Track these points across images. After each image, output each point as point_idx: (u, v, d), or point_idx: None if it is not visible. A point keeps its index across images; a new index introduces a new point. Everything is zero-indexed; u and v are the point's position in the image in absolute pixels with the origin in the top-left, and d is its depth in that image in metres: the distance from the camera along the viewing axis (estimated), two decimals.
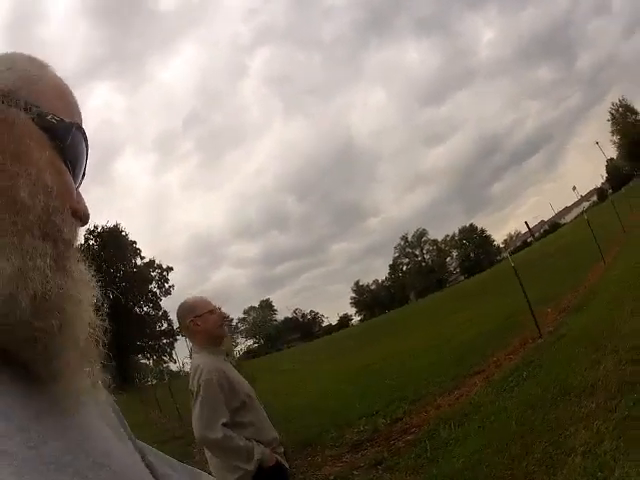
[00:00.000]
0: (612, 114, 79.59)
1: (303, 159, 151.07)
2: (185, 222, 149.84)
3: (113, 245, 54.93)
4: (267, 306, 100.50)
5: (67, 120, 0.65)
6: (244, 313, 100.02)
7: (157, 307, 57.47)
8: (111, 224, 55.86)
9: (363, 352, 22.56)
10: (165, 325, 55.67)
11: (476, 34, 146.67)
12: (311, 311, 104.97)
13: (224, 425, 2.87)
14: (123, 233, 57.56)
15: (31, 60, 0.68)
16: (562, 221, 76.53)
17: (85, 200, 0.67)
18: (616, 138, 78.85)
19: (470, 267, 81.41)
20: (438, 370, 10.53)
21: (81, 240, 0.65)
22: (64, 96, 0.68)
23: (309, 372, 22.50)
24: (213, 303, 3.29)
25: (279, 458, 3.05)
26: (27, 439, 0.48)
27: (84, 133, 0.68)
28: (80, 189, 0.68)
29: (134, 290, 56.63)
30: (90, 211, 0.66)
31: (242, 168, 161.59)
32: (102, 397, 0.70)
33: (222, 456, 2.98)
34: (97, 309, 0.63)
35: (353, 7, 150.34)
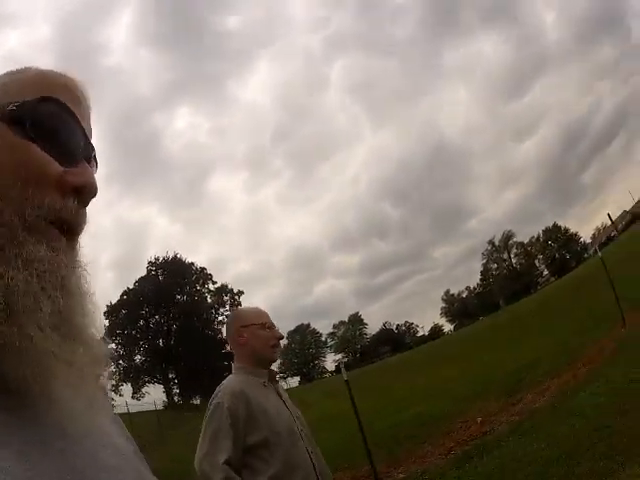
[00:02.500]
0: None
1: (396, 164, 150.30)
2: (283, 236, 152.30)
3: (176, 274, 60.20)
4: (357, 320, 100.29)
5: (30, 98, 0.63)
6: (333, 328, 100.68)
7: (215, 331, 61.61)
8: (170, 255, 61.74)
9: (415, 378, 22.01)
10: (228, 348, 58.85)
11: (539, 17, 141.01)
12: (405, 322, 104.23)
13: (225, 463, 2.38)
14: (187, 262, 63.18)
15: (8, 72, 0.68)
16: None
17: (89, 172, 0.65)
18: None
19: (558, 268, 78.06)
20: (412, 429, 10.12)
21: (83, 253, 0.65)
22: (37, 80, 0.66)
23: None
24: (269, 319, 2.85)
25: None
26: (25, 461, 0.48)
27: (59, 101, 0.64)
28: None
29: (204, 314, 62.13)
30: (91, 180, 0.64)
31: (336, 178, 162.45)
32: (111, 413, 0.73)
33: None
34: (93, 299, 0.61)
35: (418, 8, 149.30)
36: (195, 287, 64.05)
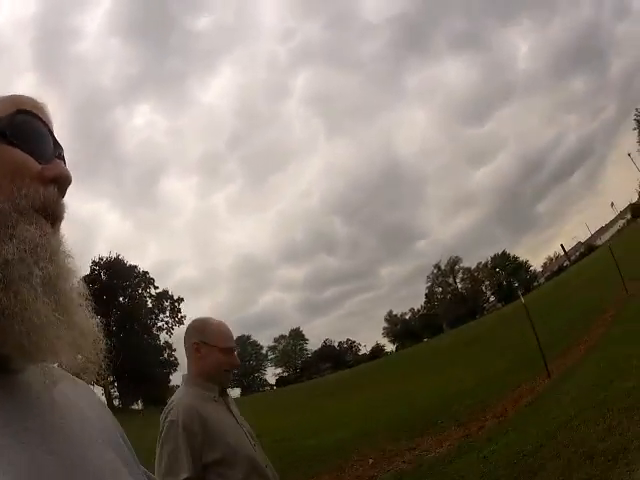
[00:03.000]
0: (638, 121, 68.63)
1: (348, 180, 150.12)
2: (231, 244, 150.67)
3: (119, 276, 60.65)
4: (297, 335, 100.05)
5: (6, 114, 0.73)
6: (274, 341, 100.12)
7: (153, 336, 63.12)
8: (113, 255, 61.87)
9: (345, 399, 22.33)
10: (166, 355, 61.34)
11: (512, 48, 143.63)
12: (347, 339, 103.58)
13: None
14: (130, 265, 63.64)
15: None
16: (597, 242, 71.99)
17: (62, 165, 0.76)
18: None
19: (506, 294, 78.36)
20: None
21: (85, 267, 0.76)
22: (10, 100, 0.76)
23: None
24: (233, 343, 2.76)
25: None
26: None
27: (31, 112, 0.76)
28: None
29: (143, 319, 62.58)
30: (66, 171, 0.75)
31: (287, 190, 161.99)
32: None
33: None
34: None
35: (388, 26, 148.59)
36: (137, 290, 64.04)
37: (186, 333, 2.77)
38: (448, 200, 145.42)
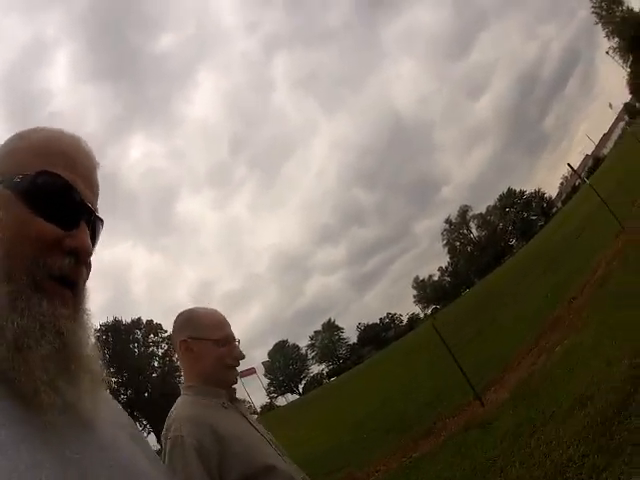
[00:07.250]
0: (597, 13, 61.06)
1: (358, 150, 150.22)
2: (263, 245, 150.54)
3: (125, 334, 64.53)
4: (331, 327, 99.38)
5: (31, 172, 0.77)
6: (310, 339, 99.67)
7: (173, 378, 63.96)
8: (110, 319, 64.44)
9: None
10: None
11: None
12: (388, 314, 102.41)
13: None
14: (131, 320, 67.17)
15: (18, 135, 0.84)
16: (602, 152, 69.53)
17: (82, 236, 0.79)
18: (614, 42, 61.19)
19: (524, 231, 76.68)
20: None
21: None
22: (42, 150, 0.81)
23: None
24: (229, 330, 2.20)
25: None
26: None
27: (53, 174, 0.78)
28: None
29: (159, 367, 66.73)
30: (84, 243, 0.79)
31: (302, 176, 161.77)
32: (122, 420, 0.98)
33: None
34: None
35: None
36: (147, 340, 67.64)
37: (172, 332, 2.27)
38: (459, 139, 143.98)
